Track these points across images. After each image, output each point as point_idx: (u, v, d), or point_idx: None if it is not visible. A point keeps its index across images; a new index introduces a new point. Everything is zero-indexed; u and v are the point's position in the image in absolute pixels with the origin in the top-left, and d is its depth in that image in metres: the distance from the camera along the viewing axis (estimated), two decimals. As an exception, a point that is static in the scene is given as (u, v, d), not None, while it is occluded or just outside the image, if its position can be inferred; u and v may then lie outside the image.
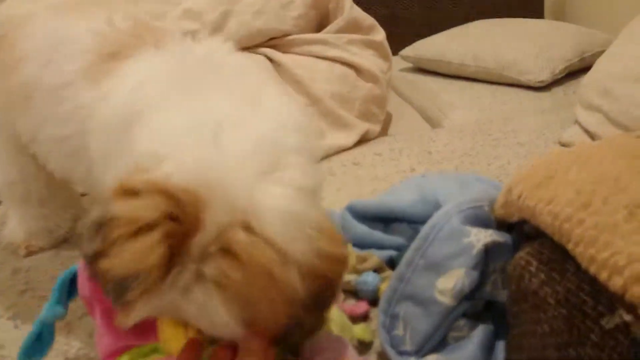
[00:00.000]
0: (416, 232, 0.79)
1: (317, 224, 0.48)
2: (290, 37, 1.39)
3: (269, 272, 0.45)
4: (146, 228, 0.45)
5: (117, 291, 0.47)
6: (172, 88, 0.56)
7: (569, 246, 0.47)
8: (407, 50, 1.95)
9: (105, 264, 0.46)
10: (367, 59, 1.39)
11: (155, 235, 0.45)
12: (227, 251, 0.45)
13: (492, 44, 1.77)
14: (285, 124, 0.54)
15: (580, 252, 0.45)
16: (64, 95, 0.66)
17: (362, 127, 1.33)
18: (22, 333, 0.72)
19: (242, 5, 1.36)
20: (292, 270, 0.46)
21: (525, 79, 1.65)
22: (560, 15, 2.27)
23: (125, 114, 0.57)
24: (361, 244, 0.83)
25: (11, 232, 0.94)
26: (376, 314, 0.72)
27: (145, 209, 0.46)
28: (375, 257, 0.77)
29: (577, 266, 0.50)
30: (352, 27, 1.42)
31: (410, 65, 1.98)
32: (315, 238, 0.48)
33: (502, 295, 0.64)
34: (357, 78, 1.37)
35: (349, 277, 0.75)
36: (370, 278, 0.73)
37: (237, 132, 0.50)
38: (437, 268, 0.63)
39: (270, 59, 1.36)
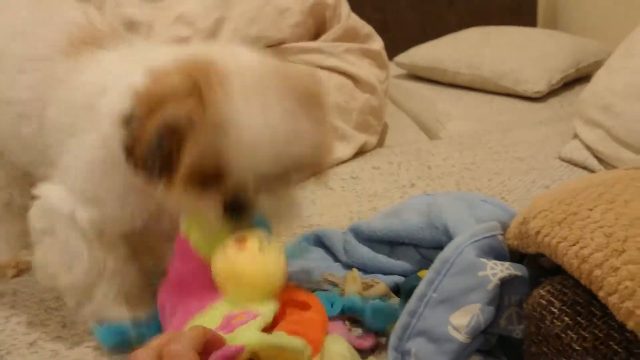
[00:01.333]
0: (423, 257, 0.78)
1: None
2: (286, 45, 1.35)
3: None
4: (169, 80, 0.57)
5: (160, 147, 0.56)
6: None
7: (600, 294, 0.45)
8: (402, 57, 1.93)
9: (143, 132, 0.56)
10: (365, 69, 1.37)
11: (175, 77, 0.56)
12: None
13: (488, 52, 1.76)
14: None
15: (615, 304, 0.43)
16: (34, 65, 0.73)
17: (359, 138, 1.31)
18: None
19: (237, 12, 1.32)
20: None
21: (521, 89, 1.64)
22: (553, 24, 2.27)
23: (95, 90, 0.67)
24: (365, 268, 0.80)
25: None
26: (384, 346, 0.69)
27: (163, 82, 0.57)
28: (382, 284, 0.74)
29: (604, 311, 0.48)
30: (350, 35, 1.39)
31: (404, 72, 1.96)
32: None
33: (517, 331, 0.62)
34: (355, 88, 1.34)
35: (354, 306, 0.72)
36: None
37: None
38: (451, 303, 0.60)
39: (266, 68, 1.32)
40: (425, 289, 0.62)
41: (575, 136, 1.25)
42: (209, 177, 0.58)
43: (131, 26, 1.30)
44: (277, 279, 0.61)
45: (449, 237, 0.70)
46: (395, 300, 0.74)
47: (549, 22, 2.29)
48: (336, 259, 0.86)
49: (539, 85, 1.61)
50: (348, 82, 1.34)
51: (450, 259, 0.62)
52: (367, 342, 0.67)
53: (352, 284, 0.74)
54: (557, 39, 1.82)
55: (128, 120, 0.58)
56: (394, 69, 1.88)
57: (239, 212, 0.60)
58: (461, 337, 0.59)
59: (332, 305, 0.67)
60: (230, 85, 0.56)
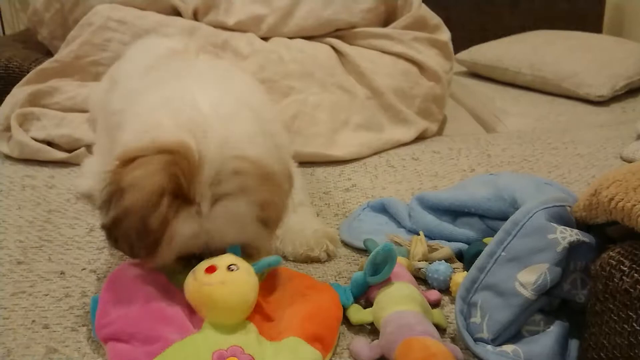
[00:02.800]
0: (489, 227, 0.81)
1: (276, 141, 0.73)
2: (356, 30, 1.40)
3: (272, 178, 0.66)
4: (150, 171, 0.61)
5: (139, 233, 0.61)
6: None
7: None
8: (463, 54, 1.95)
9: (123, 217, 0.62)
10: (431, 58, 1.40)
11: (155, 165, 0.61)
12: (237, 172, 0.62)
13: (552, 54, 1.76)
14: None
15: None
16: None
17: (421, 124, 1.34)
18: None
19: (313, -6, 1.38)
20: (278, 176, 0.67)
21: (583, 92, 1.64)
22: (618, 32, 2.24)
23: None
24: (430, 235, 0.84)
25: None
26: (446, 302, 0.74)
27: (146, 166, 0.61)
28: (447, 247, 0.79)
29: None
30: (419, 24, 1.43)
31: (464, 69, 1.98)
32: (278, 153, 0.72)
33: (580, 295, 0.65)
34: (420, 75, 1.38)
35: (420, 265, 0.77)
36: (442, 267, 0.75)
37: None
38: (519, 261, 0.64)
39: (336, 49, 1.38)
40: (494, 247, 0.66)
41: (639, 137, 1.26)
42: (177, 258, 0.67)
43: (212, 1, 1.37)
44: (250, 299, 0.63)
45: (516, 209, 0.73)
46: (458, 265, 0.78)
47: (614, 29, 2.26)
48: (399, 225, 0.91)
49: (603, 90, 1.61)
50: (414, 69, 1.38)
51: (521, 222, 0.66)
52: (433, 296, 0.72)
53: (419, 246, 0.79)
54: (623, 45, 1.81)
55: (105, 205, 0.65)
56: (454, 65, 1.90)
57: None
58: (527, 293, 0.63)
59: (346, 297, 0.70)
60: (199, 193, 0.62)
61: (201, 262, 0.64)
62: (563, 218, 0.67)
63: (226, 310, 0.63)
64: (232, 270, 0.63)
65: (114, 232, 0.65)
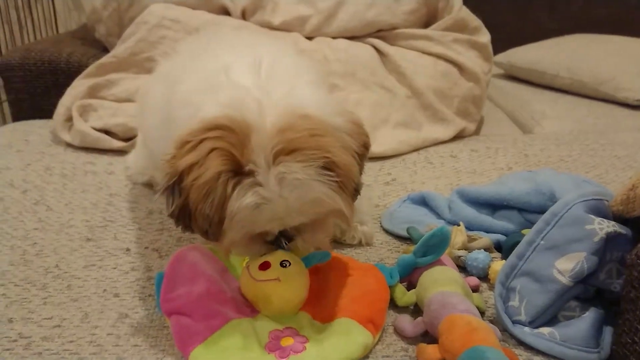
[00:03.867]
0: (527, 220, 0.85)
1: (337, 103, 0.67)
2: (398, 31, 1.45)
3: (326, 130, 0.61)
4: (201, 154, 0.59)
5: (204, 218, 0.60)
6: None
7: None
8: (500, 57, 1.97)
9: (186, 205, 0.61)
10: (471, 59, 1.44)
11: (208, 145, 0.59)
12: (284, 129, 0.59)
13: (589, 58, 1.77)
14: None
15: None
16: None
17: (459, 123, 1.38)
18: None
19: (357, -4, 1.43)
20: (340, 131, 0.64)
21: (622, 95, 1.64)
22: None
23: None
24: (468, 226, 0.88)
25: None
26: (484, 289, 0.78)
27: (199, 148, 0.60)
28: (486, 238, 0.83)
29: None
30: (459, 26, 1.47)
31: (501, 72, 2.00)
32: (342, 111, 0.66)
33: (615, 285, 0.69)
34: (459, 76, 1.42)
35: (459, 253, 0.81)
36: (481, 256, 0.78)
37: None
38: (557, 250, 0.68)
39: (377, 50, 1.42)
40: (534, 236, 0.70)
41: (677, 141, 1.27)
42: (249, 238, 0.65)
43: (260, 1, 1.43)
44: (303, 294, 0.67)
45: (555, 203, 0.76)
46: (497, 255, 0.82)
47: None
48: (439, 217, 0.95)
49: (641, 94, 1.61)
50: (453, 70, 1.42)
51: (560, 213, 0.69)
52: (472, 282, 0.76)
53: (458, 235, 0.83)
54: (664, 50, 1.80)
55: (167, 196, 0.63)
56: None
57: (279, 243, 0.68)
58: (565, 280, 0.67)
59: (391, 277, 0.73)
60: (256, 165, 0.58)
61: (254, 259, 0.68)
62: (601, 211, 0.70)
63: (281, 306, 0.66)
64: (285, 266, 0.66)
65: (182, 220, 0.64)
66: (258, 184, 0.58)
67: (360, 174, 0.68)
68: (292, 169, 0.58)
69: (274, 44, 0.85)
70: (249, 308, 0.68)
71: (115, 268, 0.81)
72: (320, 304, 0.69)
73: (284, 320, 0.66)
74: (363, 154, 0.68)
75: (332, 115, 0.64)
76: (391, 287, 0.72)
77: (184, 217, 0.63)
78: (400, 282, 0.74)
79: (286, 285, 0.65)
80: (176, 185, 0.62)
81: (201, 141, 0.60)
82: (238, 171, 0.59)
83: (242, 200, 0.58)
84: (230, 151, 0.59)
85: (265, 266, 0.66)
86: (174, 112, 0.72)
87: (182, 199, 0.62)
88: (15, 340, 0.65)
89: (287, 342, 0.63)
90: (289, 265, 0.66)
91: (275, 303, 0.66)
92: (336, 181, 0.60)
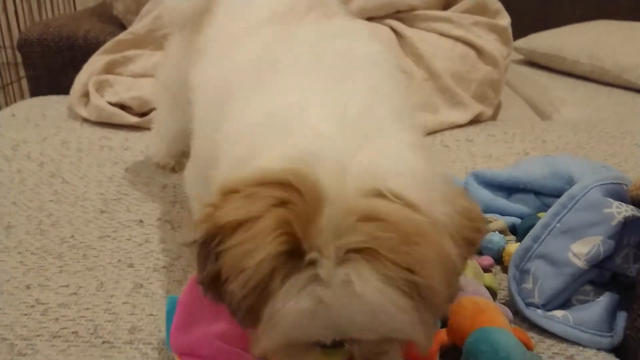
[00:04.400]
0: (543, 204, 0.84)
1: (445, 180, 0.46)
2: (416, 12, 1.43)
3: (422, 233, 0.41)
4: (255, 220, 0.41)
5: (246, 305, 0.42)
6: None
7: None
8: (520, 42, 1.94)
9: (221, 277, 0.42)
10: (490, 42, 1.41)
11: (266, 223, 0.40)
12: (369, 217, 0.40)
13: (612, 45, 1.73)
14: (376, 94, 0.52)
15: None
16: None
17: (476, 107, 1.36)
18: (177, 233, 0.83)
19: (375, -24, 1.41)
20: (443, 232, 0.42)
21: (644, 83, 1.61)
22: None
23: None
24: (484, 209, 0.87)
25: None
26: (497, 271, 0.77)
27: (250, 204, 0.42)
28: (501, 220, 0.82)
29: None
30: (479, 9, 1.44)
31: (520, 57, 1.97)
32: (450, 196, 0.45)
33: (632, 269, 0.68)
34: (478, 60, 1.40)
35: (473, 235, 0.80)
36: (496, 238, 0.78)
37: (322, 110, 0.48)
38: (574, 233, 0.67)
39: (395, 31, 1.41)
40: (550, 219, 0.69)
41: (700, 130, 1.24)
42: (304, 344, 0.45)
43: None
44: None
45: (572, 186, 0.75)
46: (512, 238, 0.81)
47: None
48: (454, 200, 0.94)
49: (664, 82, 1.58)
50: (472, 53, 1.40)
51: (577, 196, 0.69)
52: (486, 261, 0.75)
53: (473, 217, 0.82)
54: (690, 38, 1.76)
55: (202, 256, 0.45)
56: (511, 53, 1.90)
57: None
58: (580, 263, 0.66)
59: None
60: (321, 249, 0.40)
61: None
62: (619, 195, 0.69)
63: None
64: None
65: (211, 290, 0.46)
66: (318, 280, 0.40)
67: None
68: (365, 275, 0.40)
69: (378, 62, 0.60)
70: None
71: (129, 240, 0.82)
72: None
73: None
74: (469, 254, 0.48)
75: (437, 201, 0.44)
76: None
77: (216, 286, 0.45)
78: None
79: None
80: (213, 245, 0.44)
81: (256, 196, 0.42)
82: (295, 254, 0.41)
83: (295, 301, 0.41)
84: (291, 224, 0.41)
85: None
86: (222, 144, 0.53)
87: (217, 265, 0.44)
88: (32, 306, 0.67)
89: None
90: None
91: None
92: (420, 298, 0.41)
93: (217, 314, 0.54)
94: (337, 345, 0.45)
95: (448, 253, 0.43)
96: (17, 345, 0.60)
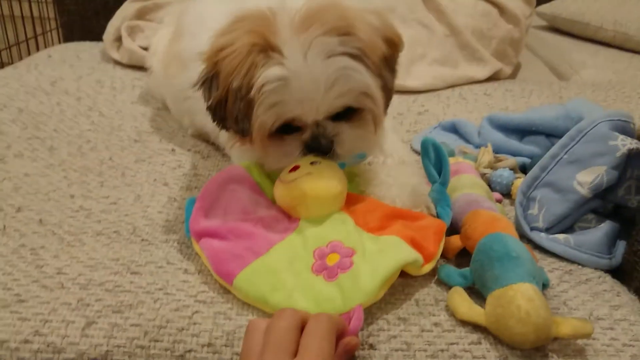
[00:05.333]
0: (554, 144, 0.87)
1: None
2: (440, -30, 1.44)
3: (355, 16, 0.63)
4: (235, 37, 0.62)
5: (237, 98, 0.61)
6: None
7: None
8: (544, 7, 1.94)
9: (222, 88, 0.62)
10: (512, 1, 1.43)
11: (239, 29, 0.62)
12: (318, 12, 0.61)
13: (638, 11, 1.73)
14: None
15: None
16: None
17: (495, 64, 1.39)
18: (207, 162, 0.88)
19: None
20: (370, 22, 0.64)
21: (666, 50, 1.61)
22: None
23: None
24: (496, 150, 0.92)
25: None
26: (506, 204, 0.82)
27: (231, 36, 0.62)
28: (512, 159, 0.86)
29: None
30: (503, -33, 1.45)
31: (544, 23, 1.98)
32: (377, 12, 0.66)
33: (633, 201, 0.72)
34: (499, 17, 1.42)
35: (485, 171, 0.85)
36: (506, 173, 0.82)
37: None
38: (580, 163, 0.71)
39: (419, -13, 1.43)
40: (558, 150, 0.73)
41: None
42: (282, 128, 0.64)
43: None
44: (337, 186, 0.63)
45: (582, 126, 0.79)
46: (521, 175, 0.85)
47: None
48: (468, 142, 0.98)
49: (687, 48, 1.58)
50: (494, 11, 1.41)
51: (585, 130, 0.72)
52: (495, 197, 0.80)
53: (485, 155, 0.87)
54: None
55: (206, 87, 0.65)
56: (534, 19, 1.90)
57: (319, 151, 0.65)
58: (584, 191, 0.70)
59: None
60: (278, 38, 0.60)
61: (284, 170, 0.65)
62: (626, 130, 0.73)
63: (316, 199, 0.62)
64: (315, 163, 0.64)
65: (219, 112, 0.65)
66: (283, 56, 0.60)
67: (394, 74, 0.69)
68: (316, 38, 0.59)
69: None
70: (288, 222, 0.65)
71: (163, 164, 0.88)
72: (366, 217, 0.64)
73: (327, 227, 0.62)
74: (390, 52, 0.67)
75: (363, 10, 0.65)
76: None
77: (220, 108, 0.65)
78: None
79: (318, 176, 0.62)
80: (214, 77, 0.64)
81: (233, 29, 0.64)
82: (267, 46, 0.61)
83: (269, 71, 0.60)
84: (258, 30, 0.61)
85: (295, 169, 0.64)
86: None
87: (219, 90, 0.64)
88: (77, 211, 0.73)
89: (333, 259, 0.58)
90: (319, 162, 0.64)
91: (310, 196, 0.62)
92: (360, 55, 0.61)
93: (232, 203, 0.65)
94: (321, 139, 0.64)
95: (376, 26, 0.65)
96: (65, 238, 0.67)
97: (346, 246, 0.59)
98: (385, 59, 0.66)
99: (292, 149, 0.67)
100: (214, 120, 0.67)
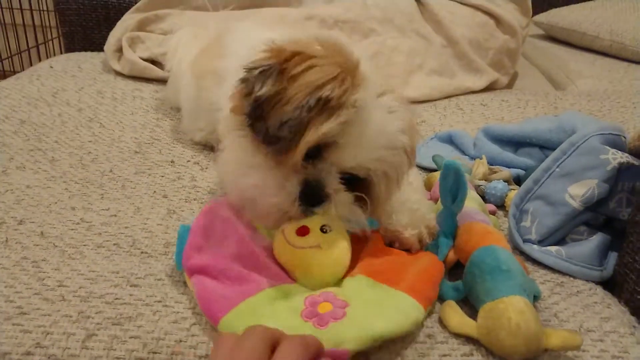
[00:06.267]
0: (547, 156, 0.89)
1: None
2: (437, -19, 1.46)
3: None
4: (319, 60, 0.57)
5: (295, 120, 0.56)
6: None
7: None
8: (541, 17, 1.96)
9: (279, 99, 0.57)
10: (509, 12, 1.45)
11: (327, 61, 0.58)
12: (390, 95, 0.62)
13: (633, 21, 1.75)
14: None
15: None
16: None
17: (492, 75, 1.41)
18: (206, 173, 0.90)
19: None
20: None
21: (662, 59, 1.63)
22: None
23: None
24: (491, 162, 0.93)
25: None
26: (500, 216, 0.83)
27: (312, 47, 0.59)
28: (506, 171, 0.88)
29: None
30: (500, -21, 1.47)
31: (540, 32, 1.99)
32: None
33: (624, 213, 0.73)
34: (496, 28, 1.44)
35: (479, 183, 0.86)
36: (500, 185, 0.84)
37: None
38: (571, 176, 0.73)
39: (416, -1, 1.45)
40: (550, 163, 0.75)
41: None
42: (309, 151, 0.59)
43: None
44: (345, 262, 0.60)
45: (575, 139, 0.80)
46: (515, 187, 0.87)
47: None
48: (464, 154, 1.00)
49: (682, 58, 1.60)
50: (490, 22, 1.43)
51: (577, 143, 0.74)
52: (489, 208, 0.81)
53: (480, 167, 0.88)
54: None
55: (263, 73, 0.58)
56: (531, 28, 1.92)
57: (310, 197, 0.60)
58: (575, 204, 0.72)
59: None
60: (365, 83, 0.59)
61: (290, 223, 0.61)
62: (617, 144, 0.74)
63: (323, 276, 0.60)
64: (326, 232, 0.59)
65: (264, 107, 0.58)
66: (361, 100, 0.58)
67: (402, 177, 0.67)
68: (397, 107, 0.62)
69: None
70: (283, 273, 0.61)
71: (163, 176, 0.89)
72: (374, 266, 0.62)
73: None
74: (407, 161, 0.65)
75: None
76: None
77: (268, 105, 0.57)
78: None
79: (328, 252, 0.58)
80: (277, 72, 0.58)
81: (308, 46, 0.59)
82: (352, 79, 0.58)
83: (359, 95, 0.58)
84: (344, 65, 0.58)
85: (303, 231, 0.59)
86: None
87: (276, 86, 0.57)
88: (78, 223, 0.75)
89: (326, 308, 0.56)
90: (330, 230, 0.59)
91: (316, 273, 0.59)
92: (407, 152, 0.63)
93: (224, 238, 0.61)
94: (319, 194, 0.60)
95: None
96: (66, 251, 0.68)
97: (339, 298, 0.57)
98: (408, 157, 0.65)
99: (291, 179, 0.60)
100: (249, 115, 0.59)
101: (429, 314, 0.60)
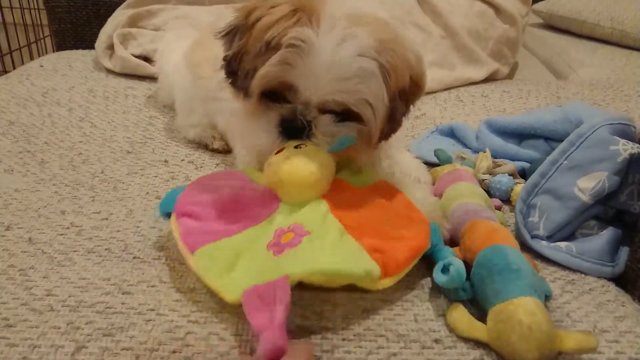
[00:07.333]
0: (553, 149, 0.86)
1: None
2: (436, -30, 1.43)
3: (395, 40, 0.63)
4: (276, 6, 0.61)
5: (252, 69, 0.61)
6: None
7: None
8: (541, 5, 1.92)
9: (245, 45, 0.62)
10: (508, 1, 1.42)
11: (283, 4, 0.61)
12: (359, 22, 0.61)
13: (634, 7, 1.72)
14: None
15: None
16: None
17: (492, 65, 1.37)
18: (201, 172, 0.87)
19: None
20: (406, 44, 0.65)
21: (665, 46, 1.60)
22: None
23: None
24: (495, 154, 0.90)
25: None
26: (505, 210, 0.80)
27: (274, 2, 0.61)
28: (510, 164, 0.85)
29: None
30: (499, -33, 1.44)
31: (540, 21, 1.96)
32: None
33: (635, 206, 0.70)
34: (495, 18, 1.40)
35: (483, 177, 0.83)
36: (505, 179, 0.81)
37: None
38: (580, 169, 0.70)
39: (414, -12, 1.42)
40: (558, 156, 0.72)
41: None
42: (277, 93, 0.64)
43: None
44: (315, 172, 0.62)
45: (582, 130, 0.78)
46: (520, 180, 0.84)
47: None
48: (466, 147, 0.97)
49: (685, 44, 1.57)
50: (490, 11, 1.40)
51: (585, 134, 0.71)
52: (495, 203, 0.78)
53: (484, 161, 0.85)
54: None
55: (230, 33, 0.65)
56: (531, 17, 1.88)
57: (291, 128, 0.64)
58: (585, 197, 0.69)
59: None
60: (322, 17, 0.60)
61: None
62: (627, 134, 0.71)
63: (291, 185, 0.62)
64: (299, 147, 0.63)
65: (234, 64, 0.65)
66: (319, 29, 0.59)
67: (406, 110, 0.68)
68: (355, 33, 0.60)
69: None
70: (270, 207, 0.64)
71: (156, 177, 0.87)
72: (348, 211, 0.62)
73: (297, 214, 0.61)
74: (411, 90, 0.65)
75: (411, 42, 0.67)
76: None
77: (236, 60, 0.64)
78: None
79: (295, 162, 0.62)
80: (241, 28, 0.64)
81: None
82: (309, 17, 0.60)
83: (301, 29, 0.59)
84: (307, 3, 0.62)
85: (279, 151, 0.65)
86: None
87: (242, 41, 0.63)
88: (68, 228, 0.72)
89: (287, 238, 0.58)
90: (304, 146, 0.64)
91: (285, 182, 0.62)
92: (385, 73, 0.61)
93: (219, 187, 0.66)
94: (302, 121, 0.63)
95: (411, 66, 0.64)
96: (55, 257, 0.65)
97: (306, 229, 0.59)
98: (404, 92, 0.65)
99: (270, 120, 0.66)
100: (225, 73, 0.67)
101: (440, 315, 0.58)
